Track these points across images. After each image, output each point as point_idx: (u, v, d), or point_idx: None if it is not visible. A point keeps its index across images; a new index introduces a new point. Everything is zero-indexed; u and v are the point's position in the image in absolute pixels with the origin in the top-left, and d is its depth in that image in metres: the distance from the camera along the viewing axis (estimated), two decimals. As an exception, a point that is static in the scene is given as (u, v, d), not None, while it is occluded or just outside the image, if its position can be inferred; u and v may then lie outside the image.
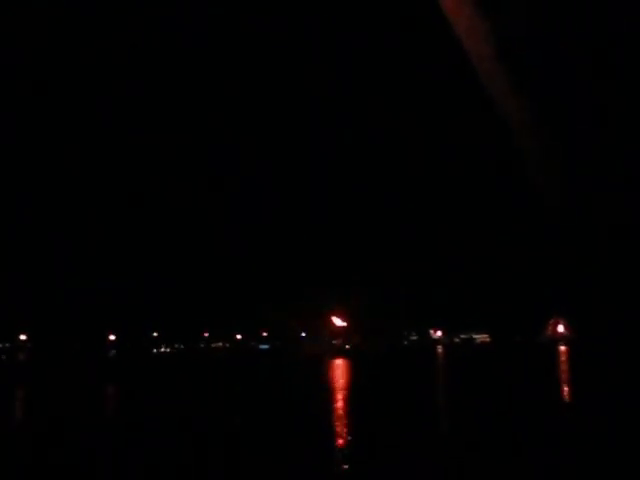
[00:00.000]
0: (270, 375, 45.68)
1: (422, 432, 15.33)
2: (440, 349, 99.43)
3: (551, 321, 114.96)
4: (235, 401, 25.06)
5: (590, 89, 5.27)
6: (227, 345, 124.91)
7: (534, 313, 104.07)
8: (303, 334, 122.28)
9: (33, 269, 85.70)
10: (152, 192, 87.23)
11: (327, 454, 12.77)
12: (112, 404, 25.12)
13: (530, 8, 5.16)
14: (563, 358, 56.23)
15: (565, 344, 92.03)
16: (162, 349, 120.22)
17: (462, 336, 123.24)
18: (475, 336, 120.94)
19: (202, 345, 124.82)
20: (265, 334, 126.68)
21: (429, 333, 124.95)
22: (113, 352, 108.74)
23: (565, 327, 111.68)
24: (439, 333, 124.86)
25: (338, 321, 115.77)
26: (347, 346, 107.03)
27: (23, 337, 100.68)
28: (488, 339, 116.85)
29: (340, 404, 22.96)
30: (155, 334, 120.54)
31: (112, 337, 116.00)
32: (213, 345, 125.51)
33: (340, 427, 16.56)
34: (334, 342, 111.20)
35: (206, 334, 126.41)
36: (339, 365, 56.84)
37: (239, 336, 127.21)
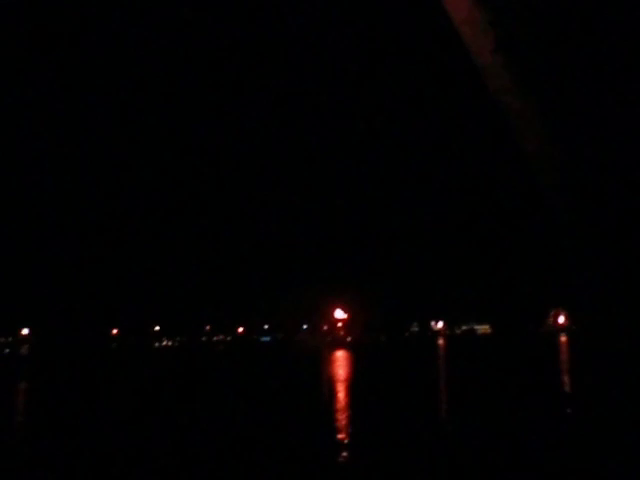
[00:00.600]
0: (271, 367, 45.80)
1: (420, 427, 15.38)
2: (441, 340, 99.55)
3: (552, 312, 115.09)
4: (233, 394, 25.14)
5: (589, 82, 5.26)
6: (228, 338, 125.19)
7: (535, 304, 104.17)
8: (304, 326, 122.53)
9: (34, 263, 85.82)
10: (154, 186, 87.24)
11: (327, 445, 12.83)
12: (109, 398, 25.20)
13: (529, 0, 5.14)
14: (564, 348, 56.36)
15: (566, 335, 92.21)
16: (164, 343, 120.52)
17: (463, 327, 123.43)
18: (476, 327, 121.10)
19: (204, 338, 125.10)
20: (266, 327, 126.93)
21: (430, 324, 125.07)
22: (115, 345, 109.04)
23: (566, 318, 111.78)
24: (440, 324, 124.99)
25: (339, 313, 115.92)
26: (348, 338, 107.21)
27: (25, 331, 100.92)
28: (489, 330, 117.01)
29: (339, 396, 23.04)
30: (157, 328, 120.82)
31: (114, 331, 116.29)
32: (215, 338, 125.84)
33: (337, 420, 16.62)
34: (335, 334, 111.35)
35: (208, 327, 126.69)
36: (339, 357, 56.97)
37: (241, 329, 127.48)
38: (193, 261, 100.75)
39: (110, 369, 51.14)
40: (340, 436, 14.05)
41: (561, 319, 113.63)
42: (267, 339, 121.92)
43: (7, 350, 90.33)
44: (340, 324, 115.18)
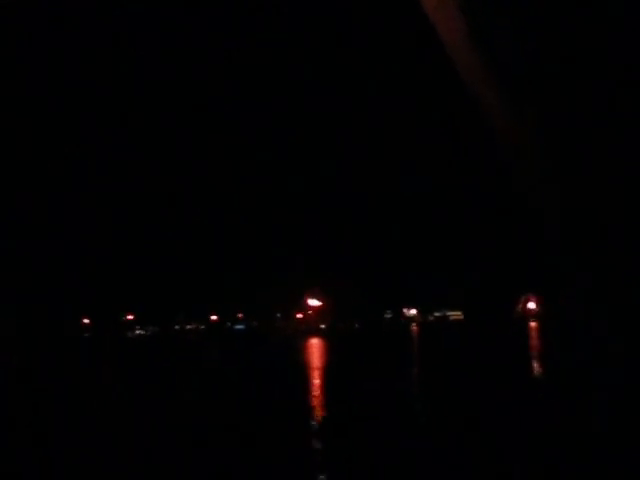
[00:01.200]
0: (245, 355, 45.84)
1: (393, 413, 15.61)
2: (414, 327, 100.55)
3: (523, 298, 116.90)
4: (208, 384, 25.17)
5: (568, 80, 5.35)
6: (202, 327, 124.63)
7: (505, 290, 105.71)
8: (278, 314, 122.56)
9: (5, 253, 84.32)
10: (129, 175, 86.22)
11: (303, 431, 12.98)
12: (86, 388, 25.04)
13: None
14: (534, 334, 57.40)
15: (536, 320, 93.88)
16: (137, 332, 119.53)
17: (436, 314, 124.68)
18: (449, 314, 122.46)
19: (177, 327, 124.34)
20: (240, 315, 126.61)
21: (403, 311, 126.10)
22: (87, 335, 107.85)
23: (536, 304, 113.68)
24: (413, 311, 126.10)
25: (313, 301, 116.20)
26: (322, 325, 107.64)
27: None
28: (461, 316, 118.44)
29: (315, 382, 23.23)
30: (130, 317, 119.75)
31: (86, 320, 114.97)
32: (188, 327, 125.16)
33: (314, 407, 16.79)
34: (309, 322, 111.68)
35: (181, 316, 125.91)
36: (313, 344, 57.24)
37: (214, 317, 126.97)
38: (166, 249, 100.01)
39: (84, 359, 50.68)
40: (314, 421, 14.22)
41: (531, 305, 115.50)
42: (241, 327, 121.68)
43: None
44: (313, 312, 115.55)
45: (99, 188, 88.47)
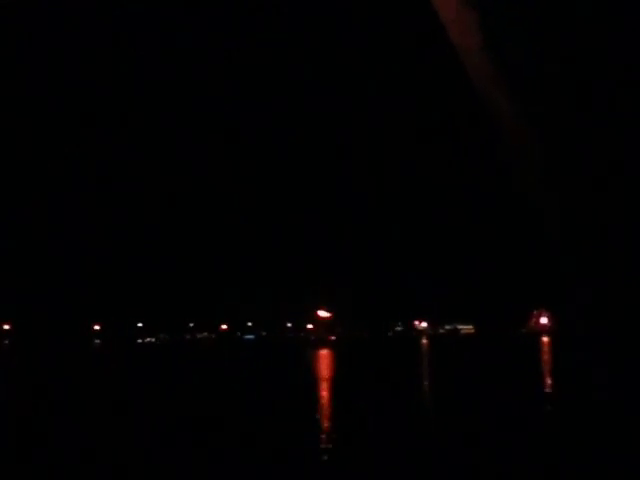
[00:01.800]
0: (255, 366, 45.75)
1: (404, 425, 15.46)
2: (425, 340, 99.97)
3: (535, 313, 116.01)
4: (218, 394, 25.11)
5: (577, 85, 5.29)
6: (212, 335, 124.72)
7: (518, 305, 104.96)
8: (289, 324, 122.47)
9: (17, 258, 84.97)
10: (140, 183, 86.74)
11: (312, 445, 12.86)
12: (92, 394, 25.05)
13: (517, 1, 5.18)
14: (545, 349, 56.86)
15: (548, 335, 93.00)
16: (147, 339, 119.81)
17: (447, 327, 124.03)
18: (460, 327, 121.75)
19: (187, 336, 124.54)
20: (250, 324, 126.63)
21: (414, 324, 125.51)
22: (97, 342, 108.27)
23: (548, 319, 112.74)
24: (424, 324, 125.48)
25: (323, 312, 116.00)
26: (332, 337, 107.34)
27: (6, 327, 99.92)
28: (472, 330, 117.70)
29: (324, 394, 23.09)
30: (140, 324, 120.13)
31: (97, 327, 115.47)
32: (199, 336, 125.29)
33: (322, 420, 16.66)
34: (319, 333, 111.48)
35: (191, 324, 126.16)
36: (323, 355, 57.04)
37: (224, 326, 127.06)
38: (178, 258, 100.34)
39: (94, 365, 50.80)
40: (325, 434, 14.09)
41: (543, 320, 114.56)
42: (251, 337, 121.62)
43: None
44: (324, 323, 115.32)
45: (103, 189, 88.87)
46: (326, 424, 15.51)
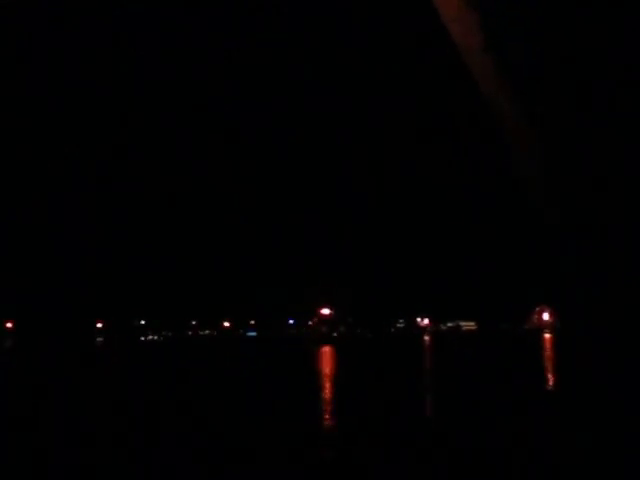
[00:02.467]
0: (257, 362, 45.86)
1: (405, 423, 15.52)
2: (427, 337, 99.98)
3: (537, 309, 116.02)
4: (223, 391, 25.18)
5: (576, 84, 5.33)
6: (215, 333, 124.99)
7: (520, 301, 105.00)
8: (290, 322, 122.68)
9: (17, 256, 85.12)
10: (141, 179, 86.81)
11: (313, 440, 12.92)
12: (95, 391, 25.13)
13: (517, 0, 5.22)
14: (548, 345, 56.88)
15: (550, 332, 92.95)
16: (150, 337, 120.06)
17: (449, 324, 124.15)
18: (462, 324, 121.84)
19: (190, 333, 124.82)
20: (252, 322, 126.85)
21: (416, 321, 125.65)
22: (100, 339, 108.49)
23: (550, 315, 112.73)
24: (426, 321, 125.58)
25: (325, 309, 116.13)
26: (334, 334, 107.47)
27: (9, 325, 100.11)
28: (474, 327, 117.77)
29: (326, 390, 23.16)
30: (142, 322, 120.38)
31: (99, 325, 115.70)
32: (201, 333, 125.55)
33: (323, 414, 16.73)
34: (321, 330, 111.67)
35: (193, 322, 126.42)
36: (325, 353, 57.13)
37: (227, 324, 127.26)
38: (180, 256, 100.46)
39: (97, 363, 50.95)
40: (326, 430, 14.15)
41: (545, 316, 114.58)
42: (253, 334, 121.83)
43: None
44: (325, 320, 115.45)
45: (103, 189, 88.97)
46: (327, 422, 15.57)
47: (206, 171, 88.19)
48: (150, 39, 62.25)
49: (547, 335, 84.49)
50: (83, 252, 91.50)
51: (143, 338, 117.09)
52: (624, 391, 18.95)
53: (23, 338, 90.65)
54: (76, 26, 56.00)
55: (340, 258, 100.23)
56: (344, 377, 29.63)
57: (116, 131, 79.39)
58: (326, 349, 63.19)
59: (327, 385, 25.52)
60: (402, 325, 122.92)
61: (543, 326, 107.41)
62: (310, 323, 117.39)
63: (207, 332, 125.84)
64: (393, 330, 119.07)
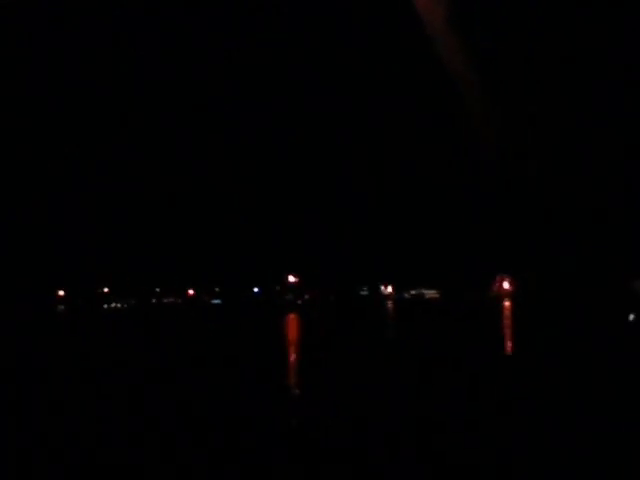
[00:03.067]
0: (222, 329, 46.14)
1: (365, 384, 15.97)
2: (390, 304, 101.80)
3: (498, 278, 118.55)
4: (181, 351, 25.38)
5: (538, 56, 5.59)
6: (179, 300, 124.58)
7: (482, 271, 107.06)
8: (255, 289, 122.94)
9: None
10: (96, 146, 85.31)
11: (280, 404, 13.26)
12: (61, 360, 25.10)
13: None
14: (507, 313, 58.47)
15: (510, 299, 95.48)
16: (113, 304, 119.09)
17: (412, 292, 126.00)
18: (425, 292, 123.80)
19: (154, 300, 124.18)
20: (217, 289, 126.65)
21: (380, 289, 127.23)
22: (62, 308, 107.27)
23: (510, 284, 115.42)
24: (390, 289, 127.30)
25: (290, 277, 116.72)
26: (299, 301, 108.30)
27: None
28: (437, 295, 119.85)
29: (291, 355, 23.58)
30: (106, 289, 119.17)
31: (61, 292, 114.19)
32: (165, 300, 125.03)
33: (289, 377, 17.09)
34: (287, 297, 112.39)
35: (157, 289, 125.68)
36: (291, 319, 57.73)
37: (191, 291, 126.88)
38: (143, 222, 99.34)
39: (60, 332, 50.52)
40: (289, 394, 14.51)
41: (506, 285, 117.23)
42: (218, 302, 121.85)
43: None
44: (292, 288, 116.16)
45: (76, 160, 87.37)
46: (294, 387, 15.94)
47: (206, 171, 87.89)
48: (150, 39, 61.63)
49: (507, 303, 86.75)
50: (42, 218, 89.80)
51: (106, 306, 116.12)
52: (572, 351, 19.80)
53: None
54: (76, 26, 55.33)
55: (306, 228, 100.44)
56: (309, 343, 30.12)
57: (116, 131, 78.46)
58: (292, 316, 63.82)
59: (292, 351, 25.96)
60: (366, 293, 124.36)
61: (504, 294, 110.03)
62: (276, 290, 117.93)
63: (171, 300, 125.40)
64: (357, 297, 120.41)
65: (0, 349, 31.28)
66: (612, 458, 8.30)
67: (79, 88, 68.95)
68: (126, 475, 8.25)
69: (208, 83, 72.63)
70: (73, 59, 63.22)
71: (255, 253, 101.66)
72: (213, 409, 12.50)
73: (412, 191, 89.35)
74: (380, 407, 12.26)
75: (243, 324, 52.47)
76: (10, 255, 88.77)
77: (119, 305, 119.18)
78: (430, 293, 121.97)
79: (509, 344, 26.64)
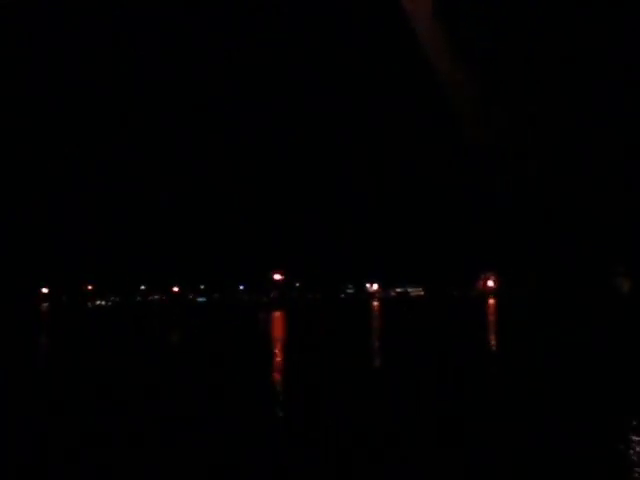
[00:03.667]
0: (207, 327, 46.02)
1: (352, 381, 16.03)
2: (376, 302, 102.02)
3: (482, 276, 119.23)
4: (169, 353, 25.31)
5: (523, 50, 5.66)
6: (164, 298, 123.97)
7: (466, 269, 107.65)
8: (241, 287, 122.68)
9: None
10: (86, 141, 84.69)
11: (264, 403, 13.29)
12: (45, 358, 24.91)
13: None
14: (491, 310, 58.87)
15: (494, 297, 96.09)
16: (97, 302, 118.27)
17: (397, 290, 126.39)
18: (410, 290, 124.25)
19: (138, 298, 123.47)
20: (202, 287, 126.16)
21: (365, 287, 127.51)
22: (45, 305, 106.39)
23: (494, 282, 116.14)
24: (375, 286, 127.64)
25: (276, 275, 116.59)
26: (285, 299, 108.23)
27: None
28: (422, 293, 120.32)
29: (277, 356, 23.59)
30: (90, 287, 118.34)
31: (45, 290, 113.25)
32: (150, 298, 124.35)
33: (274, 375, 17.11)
34: (272, 295, 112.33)
35: (142, 287, 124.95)
36: (276, 317, 57.68)
37: (176, 289, 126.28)
38: (128, 219, 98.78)
39: (43, 330, 50.14)
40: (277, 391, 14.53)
41: (490, 283, 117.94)
42: (203, 300, 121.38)
43: None
44: (277, 286, 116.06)
45: (63, 157, 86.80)
46: (279, 388, 15.97)
47: (206, 171, 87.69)
48: (150, 39, 61.46)
49: (491, 301, 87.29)
50: (28, 216, 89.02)
51: (90, 304, 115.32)
52: (554, 345, 19.98)
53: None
54: (76, 26, 55.04)
55: (292, 226, 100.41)
56: (294, 341, 30.14)
57: (116, 131, 78.25)
58: (277, 314, 63.77)
59: (278, 348, 25.97)
60: (351, 291, 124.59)
61: (488, 292, 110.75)
62: (261, 288, 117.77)
63: (156, 297, 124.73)
64: (343, 295, 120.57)
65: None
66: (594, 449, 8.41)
67: (79, 88, 68.90)
68: (112, 473, 8.24)
69: (208, 83, 72.80)
70: (73, 59, 63.18)
71: (241, 251, 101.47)
72: (198, 407, 12.51)
73: (398, 191, 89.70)
74: (366, 405, 12.31)
75: (228, 325, 52.35)
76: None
77: (103, 303, 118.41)
78: (415, 290, 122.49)
79: (493, 341, 26.84)
